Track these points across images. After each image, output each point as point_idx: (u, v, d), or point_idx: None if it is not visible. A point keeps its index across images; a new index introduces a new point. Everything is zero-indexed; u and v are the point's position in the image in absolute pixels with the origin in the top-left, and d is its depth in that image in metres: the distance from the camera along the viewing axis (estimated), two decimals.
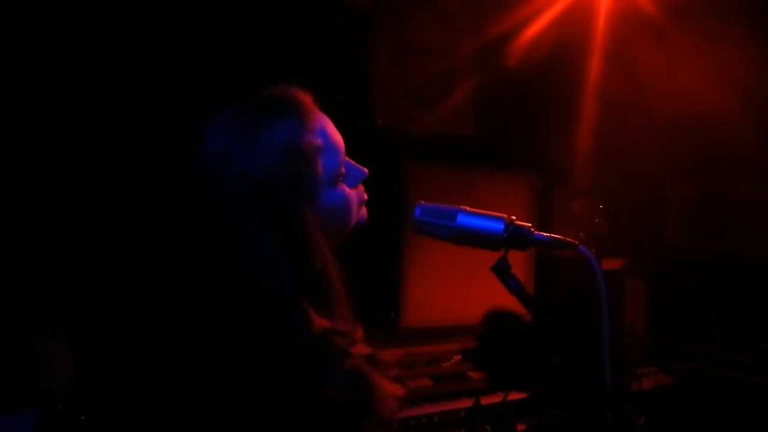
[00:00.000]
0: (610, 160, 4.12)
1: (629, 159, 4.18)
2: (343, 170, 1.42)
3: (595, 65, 3.50)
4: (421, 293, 3.61)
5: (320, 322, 1.24)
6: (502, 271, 1.51)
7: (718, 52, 3.71)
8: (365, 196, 1.49)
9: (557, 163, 4.01)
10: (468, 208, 1.53)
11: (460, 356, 3.59)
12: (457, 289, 3.72)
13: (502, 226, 1.50)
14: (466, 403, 3.13)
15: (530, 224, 1.54)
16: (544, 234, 1.54)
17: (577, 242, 1.53)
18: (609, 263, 3.87)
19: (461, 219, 1.50)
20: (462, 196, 3.29)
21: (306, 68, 3.22)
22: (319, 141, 1.34)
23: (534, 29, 3.59)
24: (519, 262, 4.05)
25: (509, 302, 3.47)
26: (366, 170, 1.48)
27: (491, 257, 1.54)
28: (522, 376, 3.54)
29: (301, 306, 1.23)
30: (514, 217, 1.54)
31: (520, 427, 3.16)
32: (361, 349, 1.32)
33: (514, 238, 1.50)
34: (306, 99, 1.39)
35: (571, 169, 4.06)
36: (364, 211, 1.50)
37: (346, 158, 1.45)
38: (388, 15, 3.88)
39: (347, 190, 1.43)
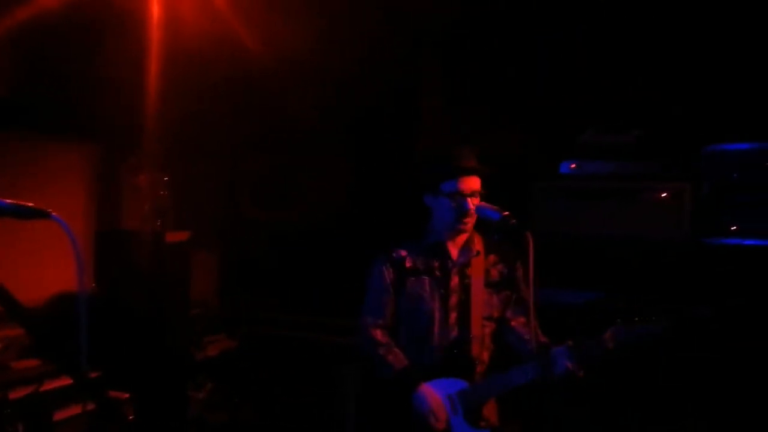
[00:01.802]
0: (179, 134, 4.13)
1: (198, 133, 4.25)
2: None
3: (154, 38, 3.43)
4: None
5: None
6: None
7: (274, 29, 3.96)
8: None
9: (121, 134, 3.85)
10: None
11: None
12: None
13: None
14: None
15: None
16: (6, 201, 1.39)
17: (49, 210, 1.41)
18: (174, 235, 3.89)
19: None
20: None
21: None
22: None
23: None
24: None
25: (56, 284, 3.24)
26: None
27: None
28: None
29: None
30: None
31: (61, 415, 2.95)
32: None
33: None
34: None
35: (137, 140, 3.94)
36: None
37: None
38: None
39: None
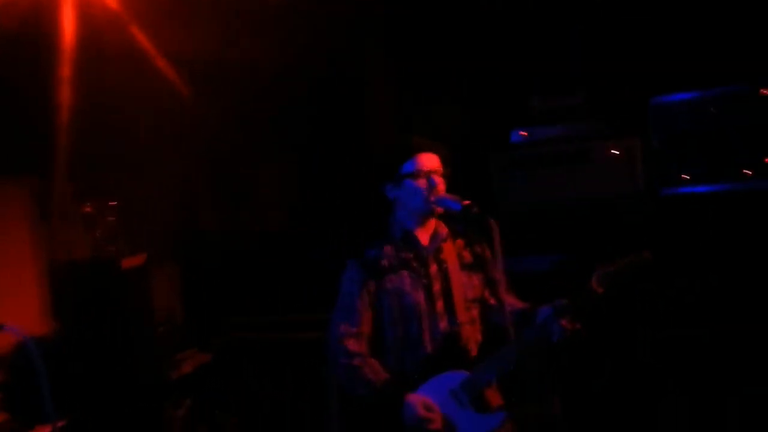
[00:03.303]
0: (120, 156, 3.99)
1: (141, 151, 4.13)
2: None
3: (66, 63, 3.29)
4: None
5: None
6: None
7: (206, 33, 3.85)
8: None
9: (59, 164, 3.71)
10: None
11: None
12: None
13: None
14: None
15: None
16: None
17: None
18: (130, 261, 3.77)
19: None
20: None
21: None
22: None
23: None
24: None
25: None
26: None
27: None
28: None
29: None
30: None
31: None
32: None
33: None
34: None
35: (77, 168, 3.79)
36: None
37: None
38: None
39: None
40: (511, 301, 2.61)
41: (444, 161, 2.61)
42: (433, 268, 2.58)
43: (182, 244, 4.77)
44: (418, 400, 2.41)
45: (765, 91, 3.84)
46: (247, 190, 5.17)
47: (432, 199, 2.52)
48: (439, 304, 2.54)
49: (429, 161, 2.56)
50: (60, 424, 2.88)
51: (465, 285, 2.60)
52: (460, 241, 2.68)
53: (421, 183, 2.53)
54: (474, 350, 2.56)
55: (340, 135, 5.03)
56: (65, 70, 3.31)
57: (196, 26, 3.70)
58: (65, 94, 3.46)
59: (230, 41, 4.15)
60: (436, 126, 4.69)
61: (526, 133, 4.54)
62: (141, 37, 3.46)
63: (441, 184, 2.55)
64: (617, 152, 4.30)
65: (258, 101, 4.66)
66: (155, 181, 4.31)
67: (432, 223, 2.63)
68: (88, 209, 3.79)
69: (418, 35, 4.80)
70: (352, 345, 2.53)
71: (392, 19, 4.89)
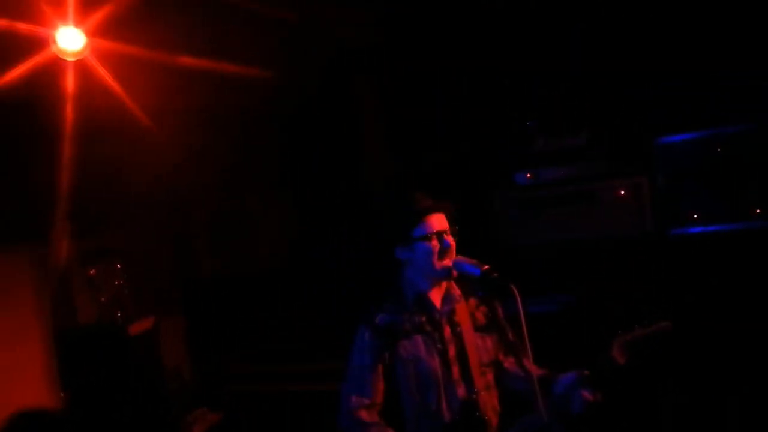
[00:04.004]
0: (121, 217, 3.93)
1: (139, 211, 4.07)
2: None
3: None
4: None
5: None
6: None
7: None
8: None
9: (59, 228, 3.64)
10: None
11: None
12: None
13: None
14: None
15: None
16: None
17: None
18: (138, 326, 3.69)
19: None
20: None
21: None
22: None
23: None
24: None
25: None
26: None
27: None
28: None
29: None
30: None
31: None
32: None
33: None
34: None
35: (82, 232, 3.73)
36: None
37: None
38: None
39: None
40: (531, 367, 2.56)
41: (450, 219, 2.57)
42: (447, 331, 2.51)
43: (186, 297, 4.68)
44: None
45: None
46: (247, 234, 5.09)
47: (447, 262, 2.48)
48: (455, 370, 2.48)
49: (438, 222, 2.52)
50: None
51: (479, 348, 2.54)
52: (472, 301, 2.62)
53: (434, 245, 2.48)
54: (493, 419, 2.50)
55: (337, 170, 4.99)
56: (64, 139, 3.27)
57: (185, 79, 3.65)
58: (64, 160, 3.41)
59: (220, 89, 4.10)
60: (440, 166, 4.70)
61: (530, 175, 4.51)
62: (129, 102, 3.42)
63: (453, 244, 2.50)
64: (624, 192, 4.28)
65: (248, 145, 4.62)
66: (155, 236, 4.25)
67: (445, 284, 2.58)
68: (92, 273, 3.71)
69: (420, 74, 4.78)
70: (365, 416, 2.46)
71: (391, 59, 4.86)
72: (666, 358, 3.44)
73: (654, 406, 3.75)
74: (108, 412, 3.49)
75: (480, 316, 2.60)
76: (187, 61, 3.61)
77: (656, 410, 3.76)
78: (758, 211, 3.92)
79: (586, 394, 2.35)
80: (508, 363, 2.61)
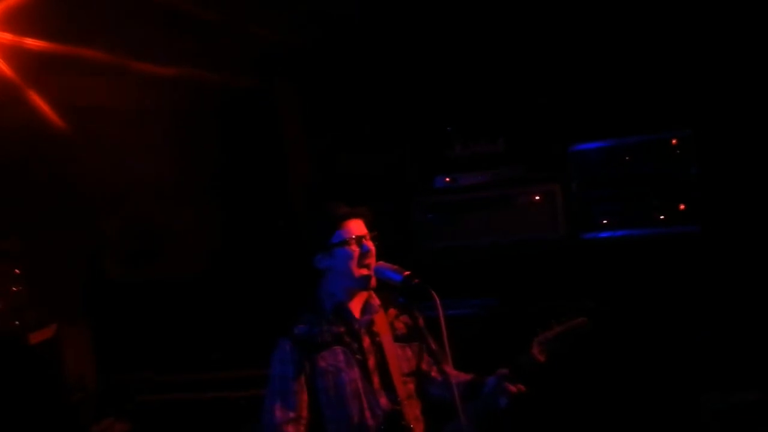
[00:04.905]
0: (23, 217, 3.69)
1: (42, 209, 3.84)
2: None
3: None
4: None
5: None
6: None
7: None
8: None
9: None
10: None
11: None
12: None
13: None
14: None
15: None
16: None
17: None
18: (39, 334, 3.46)
19: None
20: None
21: None
22: None
23: None
24: None
25: None
26: None
27: None
28: None
29: None
30: None
31: None
32: None
33: None
34: None
35: None
36: None
37: None
38: None
39: None
40: (455, 373, 2.57)
41: (368, 224, 2.57)
42: (366, 341, 2.50)
43: (92, 303, 4.45)
44: None
45: (675, 141, 4.01)
46: (160, 238, 4.90)
47: (366, 270, 2.47)
48: (376, 381, 2.46)
49: (356, 227, 2.52)
50: None
51: (400, 358, 2.53)
52: (392, 311, 2.62)
53: (354, 249, 2.47)
54: (417, 428, 2.48)
55: (260, 177, 4.90)
56: None
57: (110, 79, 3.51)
58: None
59: (143, 90, 3.97)
60: (359, 171, 4.70)
61: (449, 179, 4.56)
62: (35, 98, 3.25)
63: (373, 248, 2.50)
64: (538, 198, 4.39)
65: (166, 148, 4.47)
66: (59, 240, 4.01)
67: (364, 293, 2.56)
68: None
69: (340, 82, 4.77)
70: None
71: (311, 63, 4.82)
72: (583, 353, 3.54)
73: (575, 400, 3.86)
74: (7, 426, 3.26)
75: (400, 326, 2.60)
76: (98, 57, 3.47)
77: (577, 404, 3.87)
78: (662, 217, 4.10)
79: (510, 386, 2.37)
80: (432, 371, 2.60)
